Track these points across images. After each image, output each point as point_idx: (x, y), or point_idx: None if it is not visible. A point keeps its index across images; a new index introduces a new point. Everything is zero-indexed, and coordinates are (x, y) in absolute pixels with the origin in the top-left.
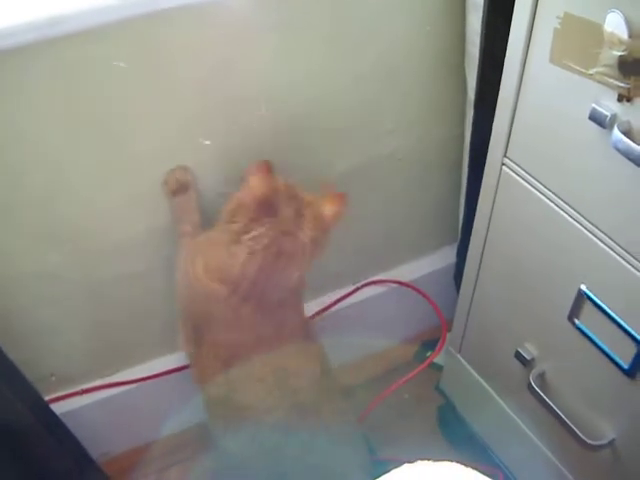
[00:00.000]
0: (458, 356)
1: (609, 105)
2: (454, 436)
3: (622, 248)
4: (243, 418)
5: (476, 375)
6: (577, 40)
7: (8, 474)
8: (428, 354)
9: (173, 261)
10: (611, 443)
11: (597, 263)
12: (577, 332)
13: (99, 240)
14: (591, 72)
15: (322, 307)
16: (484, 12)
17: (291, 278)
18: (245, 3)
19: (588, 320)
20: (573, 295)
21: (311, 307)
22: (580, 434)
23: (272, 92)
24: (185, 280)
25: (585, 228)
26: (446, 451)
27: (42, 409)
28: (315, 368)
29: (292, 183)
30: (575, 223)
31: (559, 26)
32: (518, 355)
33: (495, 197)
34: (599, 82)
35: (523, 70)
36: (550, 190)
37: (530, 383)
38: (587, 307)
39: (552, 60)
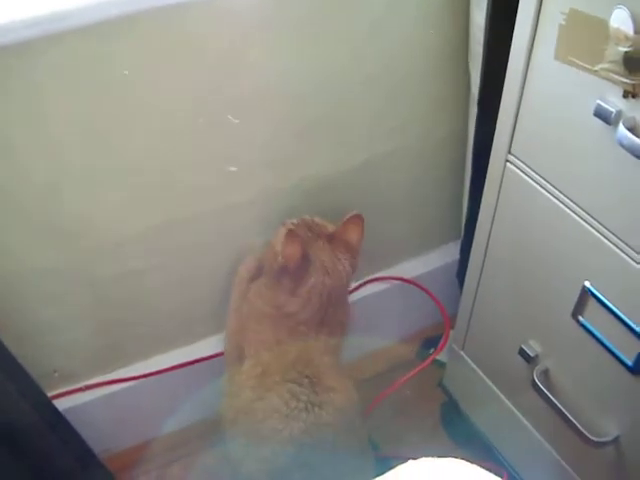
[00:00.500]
0: (461, 353)
1: (614, 101)
2: (457, 433)
3: (626, 245)
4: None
5: (479, 372)
6: (582, 36)
7: (11, 470)
8: (431, 351)
9: (174, 258)
10: (615, 440)
11: (601, 260)
12: (581, 329)
13: (101, 237)
14: (596, 68)
15: None
16: (488, 8)
17: (346, 303)
18: (249, 3)
19: (592, 317)
20: (577, 292)
21: None
22: (584, 431)
23: (275, 90)
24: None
25: (589, 225)
26: (449, 448)
27: (45, 405)
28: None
29: (315, 219)
30: (579, 220)
31: (564, 22)
32: (522, 352)
33: (499, 194)
34: (604, 78)
35: (528, 67)
36: (554, 187)
37: (534, 380)
38: (591, 304)
39: (557, 56)
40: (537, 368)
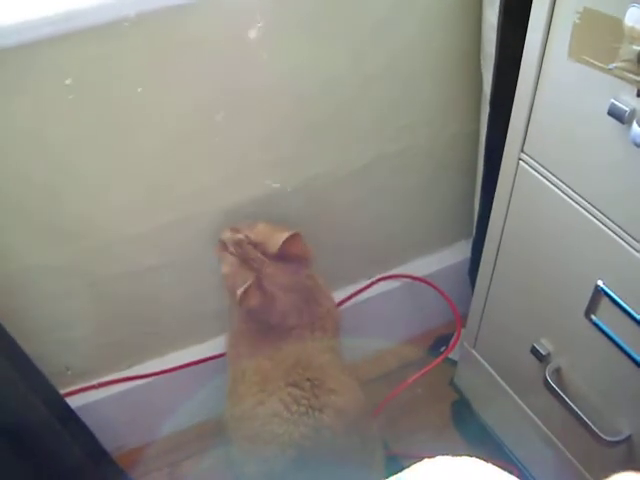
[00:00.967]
0: (473, 351)
1: (628, 100)
2: (468, 432)
3: None
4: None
5: (491, 370)
6: (596, 35)
7: (24, 466)
8: (442, 349)
9: (180, 256)
10: (627, 439)
11: (614, 259)
12: (594, 328)
13: (111, 235)
14: (610, 67)
15: (337, 302)
16: (501, 6)
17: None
18: (255, 5)
19: (605, 316)
20: (590, 291)
21: None
22: (596, 430)
23: (284, 90)
24: None
25: (602, 223)
26: (460, 447)
27: (58, 403)
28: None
29: (255, 230)
30: (592, 218)
31: (578, 21)
32: (534, 350)
33: (512, 192)
34: (618, 77)
35: (541, 65)
36: (567, 185)
37: (546, 378)
38: (604, 303)
39: (571, 55)
40: (549, 367)
